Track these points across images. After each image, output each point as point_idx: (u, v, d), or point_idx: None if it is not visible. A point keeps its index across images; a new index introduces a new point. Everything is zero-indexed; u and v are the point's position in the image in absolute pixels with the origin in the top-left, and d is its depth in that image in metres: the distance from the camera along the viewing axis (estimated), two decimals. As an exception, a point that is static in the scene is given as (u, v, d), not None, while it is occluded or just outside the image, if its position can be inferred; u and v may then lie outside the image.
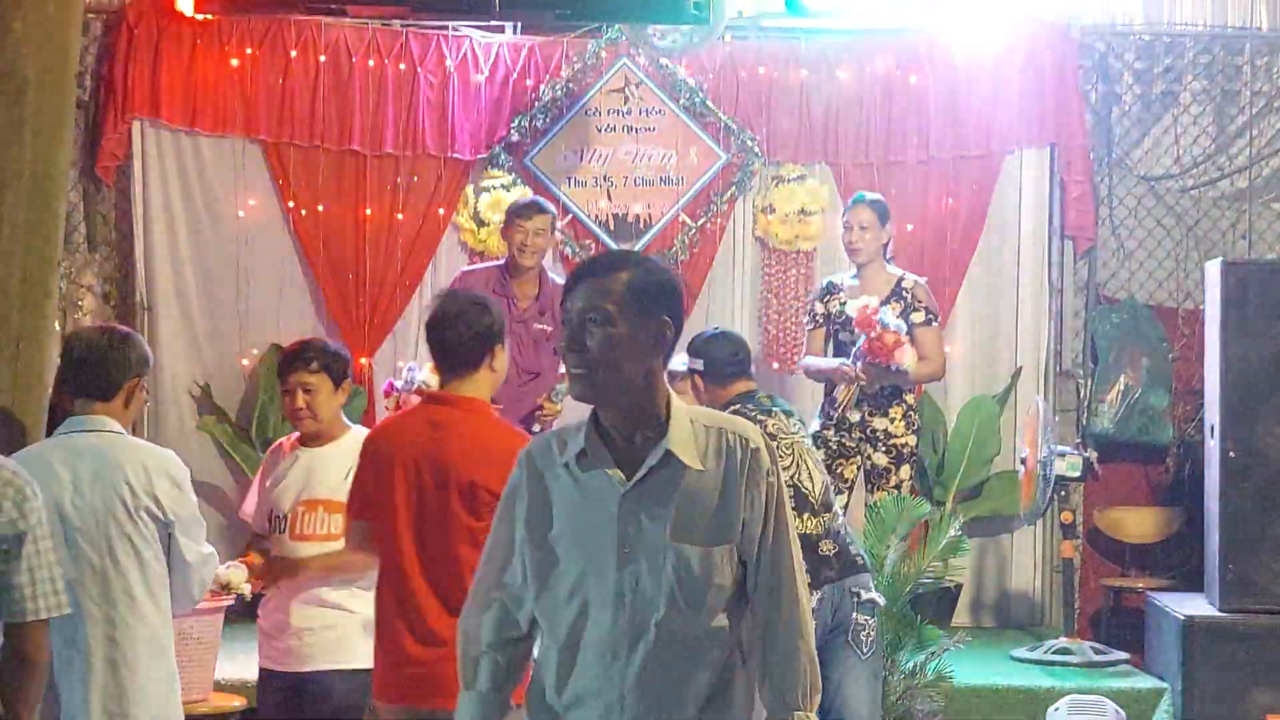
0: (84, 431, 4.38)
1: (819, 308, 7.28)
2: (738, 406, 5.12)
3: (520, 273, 7.09)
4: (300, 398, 5.05)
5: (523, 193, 8.20)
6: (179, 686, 4.51)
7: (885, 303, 6.96)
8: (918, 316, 7.05)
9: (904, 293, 7.08)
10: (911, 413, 7.12)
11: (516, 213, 7.13)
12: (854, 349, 6.93)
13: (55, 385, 4.63)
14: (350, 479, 4.57)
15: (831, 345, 7.29)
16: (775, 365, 8.29)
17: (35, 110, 4.85)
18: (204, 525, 4.54)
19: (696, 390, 5.77)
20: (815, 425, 7.09)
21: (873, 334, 6.75)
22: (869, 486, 7.07)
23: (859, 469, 7.08)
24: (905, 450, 7.06)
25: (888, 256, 7.24)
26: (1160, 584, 8.02)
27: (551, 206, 7.34)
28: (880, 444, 7.04)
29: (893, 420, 7.03)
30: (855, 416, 7.01)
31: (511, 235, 7.06)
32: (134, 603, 4.35)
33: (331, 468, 5.01)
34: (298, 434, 5.21)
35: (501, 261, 7.29)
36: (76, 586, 4.22)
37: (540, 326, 7.01)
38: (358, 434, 4.98)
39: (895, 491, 6.87)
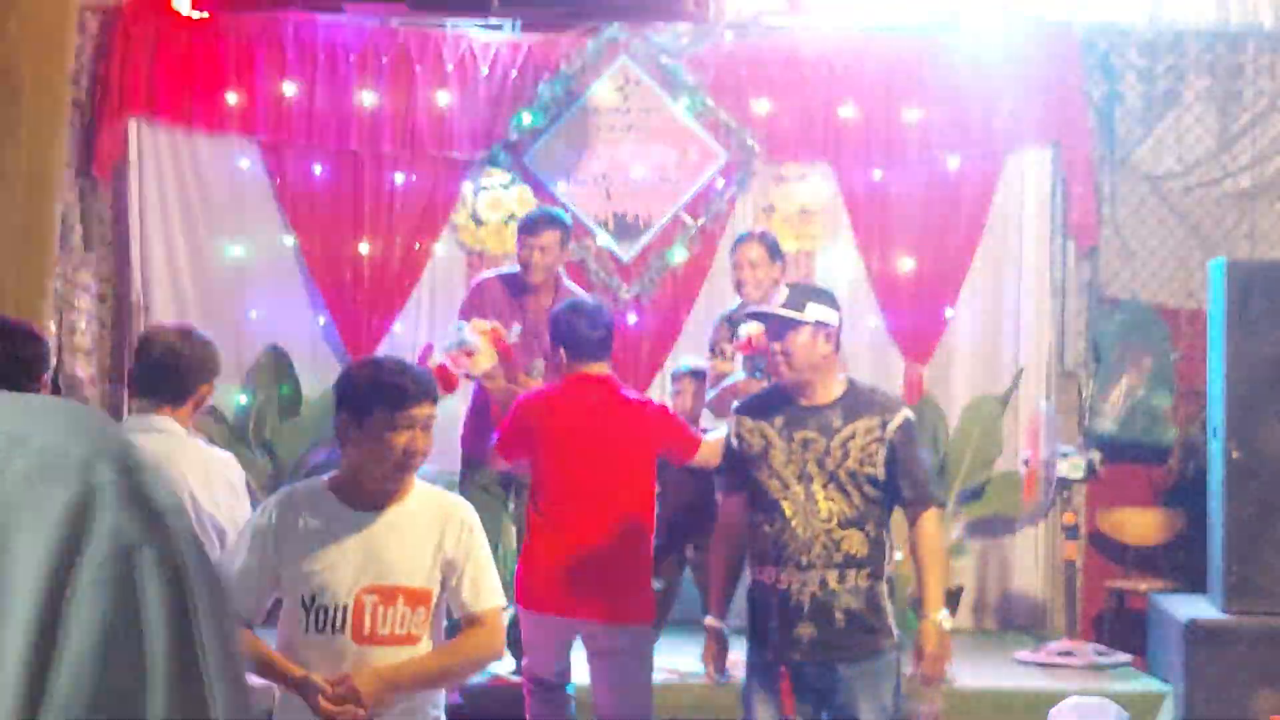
0: (149, 431, 4.19)
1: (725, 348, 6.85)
2: None
3: (531, 285, 6.79)
4: (420, 438, 3.79)
5: (522, 191, 8.18)
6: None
7: None
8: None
9: None
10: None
11: (523, 227, 6.76)
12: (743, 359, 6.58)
13: (127, 381, 4.52)
14: (435, 552, 3.79)
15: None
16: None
17: (31, 109, 4.82)
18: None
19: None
20: None
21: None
22: None
23: None
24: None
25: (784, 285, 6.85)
26: (1163, 586, 8.00)
27: (564, 218, 6.96)
28: None
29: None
30: None
31: (519, 251, 6.71)
32: None
33: (409, 538, 3.82)
34: (335, 481, 3.89)
35: (516, 269, 7.06)
36: None
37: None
38: (427, 491, 3.91)
39: None
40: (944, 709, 6.38)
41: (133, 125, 8.13)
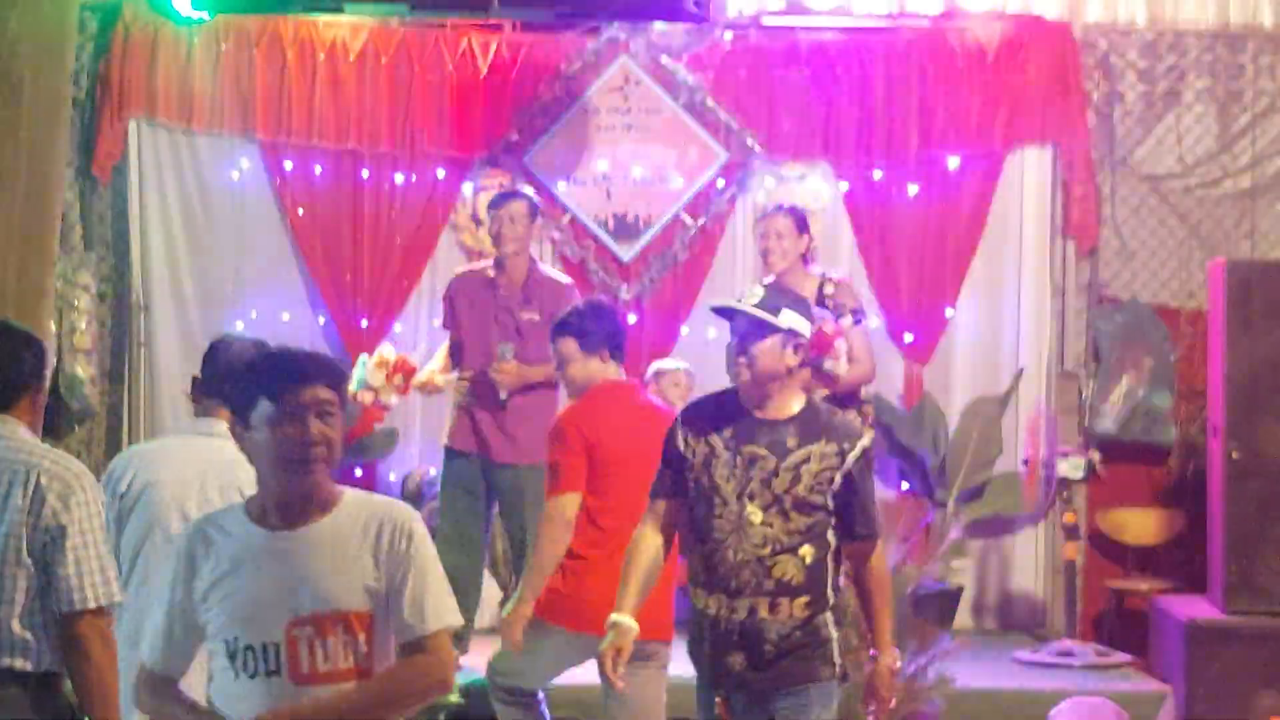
0: (213, 436, 4.30)
1: None
2: None
3: (506, 263, 7.01)
4: (317, 426, 3.24)
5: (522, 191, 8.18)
6: None
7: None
8: (846, 320, 6.71)
9: (826, 299, 6.75)
10: (864, 404, 6.85)
11: (491, 203, 7.15)
12: None
13: (192, 386, 4.56)
14: (371, 567, 3.29)
15: None
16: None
17: (31, 109, 4.84)
18: None
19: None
20: None
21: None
22: None
23: None
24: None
25: (808, 264, 6.94)
26: (1163, 586, 7.99)
27: (529, 193, 7.35)
28: None
29: None
30: None
31: (491, 226, 7.04)
32: None
33: (338, 556, 3.29)
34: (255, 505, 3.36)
35: (494, 260, 7.21)
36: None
37: (529, 316, 6.95)
38: (357, 499, 3.37)
39: None
40: (944, 709, 6.39)
41: (133, 125, 8.13)
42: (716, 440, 4.41)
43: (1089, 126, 8.32)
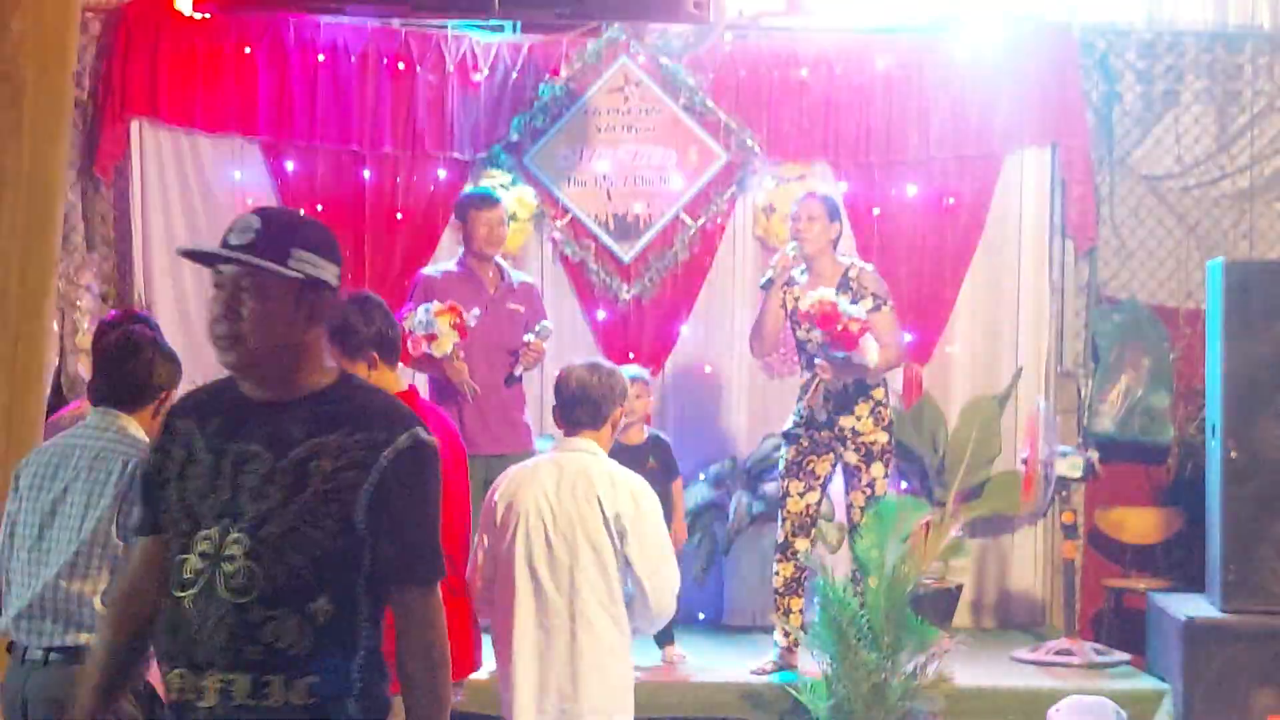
0: (577, 451, 4.94)
1: (778, 291, 7.00)
2: None
3: (480, 260, 7.13)
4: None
5: (522, 192, 8.20)
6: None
7: (836, 293, 6.79)
8: (866, 304, 6.82)
9: (850, 282, 6.89)
10: (881, 408, 6.90)
11: (474, 204, 7.19)
12: (817, 345, 6.78)
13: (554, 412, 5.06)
14: None
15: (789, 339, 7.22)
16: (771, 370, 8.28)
17: (33, 110, 4.85)
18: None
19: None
20: (789, 424, 7.02)
21: (838, 327, 6.61)
22: (845, 486, 7.00)
23: (834, 465, 6.97)
24: (875, 448, 6.86)
25: (837, 251, 7.07)
26: (1161, 584, 8.02)
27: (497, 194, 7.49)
28: (849, 442, 6.87)
29: (859, 418, 6.84)
30: (822, 416, 6.89)
31: (474, 228, 7.09)
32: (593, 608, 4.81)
33: None
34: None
35: (456, 260, 7.29)
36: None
37: (513, 307, 7.09)
38: None
39: (868, 491, 6.82)
40: (944, 708, 6.40)
41: (135, 126, 8.14)
42: (197, 440, 3.08)
43: (1088, 127, 8.34)
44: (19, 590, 4.08)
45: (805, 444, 6.91)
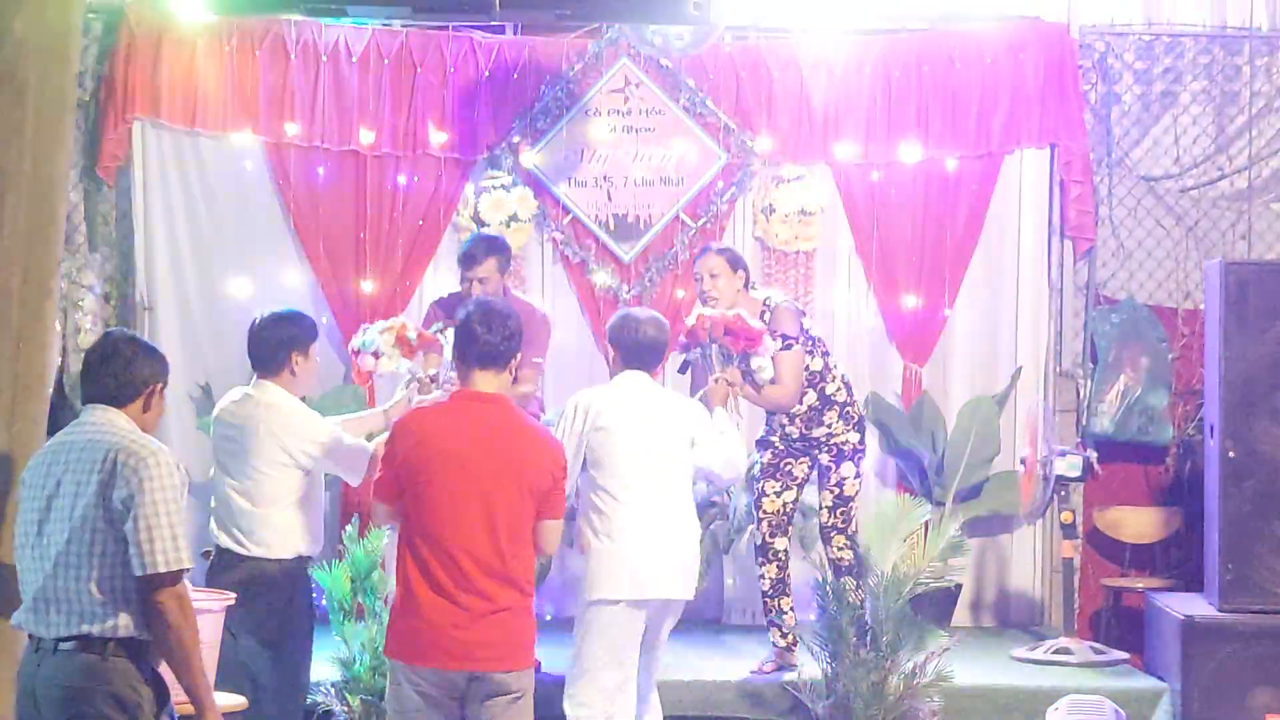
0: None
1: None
2: None
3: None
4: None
5: (523, 193, 8.22)
6: None
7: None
8: (776, 344, 6.50)
9: (766, 316, 6.63)
10: (849, 409, 6.81)
11: (462, 260, 6.72)
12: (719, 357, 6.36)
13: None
14: None
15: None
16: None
17: (36, 111, 4.85)
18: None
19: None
20: (761, 432, 6.97)
21: (729, 330, 6.23)
22: (817, 485, 6.93)
23: (810, 468, 6.91)
24: (847, 448, 6.80)
25: (750, 287, 6.76)
26: (1160, 584, 8.04)
27: (501, 240, 6.94)
28: (824, 445, 6.82)
29: (829, 425, 6.78)
30: (794, 431, 6.81)
31: (461, 284, 6.71)
32: None
33: None
34: None
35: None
36: None
37: None
38: None
39: (836, 490, 6.79)
40: (943, 707, 6.41)
41: (137, 126, 8.16)
42: None
43: (1086, 127, 8.36)
44: (28, 584, 4.19)
45: (781, 448, 6.88)
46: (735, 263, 6.72)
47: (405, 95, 8.28)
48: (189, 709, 4.16)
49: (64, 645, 4.08)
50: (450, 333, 6.02)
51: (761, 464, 6.92)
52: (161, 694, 4.16)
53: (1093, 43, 8.40)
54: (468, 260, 6.65)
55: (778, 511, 6.87)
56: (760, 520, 6.91)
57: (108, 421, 4.22)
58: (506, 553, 4.71)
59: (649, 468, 5.53)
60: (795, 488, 6.89)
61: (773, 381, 6.43)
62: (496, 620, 4.70)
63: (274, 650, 5.43)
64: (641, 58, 8.33)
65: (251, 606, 5.34)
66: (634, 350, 5.64)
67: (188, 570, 4.10)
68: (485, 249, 6.67)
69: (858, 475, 6.85)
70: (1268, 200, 8.44)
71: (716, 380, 6.08)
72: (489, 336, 4.84)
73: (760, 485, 6.90)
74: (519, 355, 4.97)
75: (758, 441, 6.99)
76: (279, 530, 5.45)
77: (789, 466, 6.87)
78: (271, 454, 5.43)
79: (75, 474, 4.12)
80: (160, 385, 4.36)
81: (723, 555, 8.03)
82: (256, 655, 5.39)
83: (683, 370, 6.41)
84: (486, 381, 4.86)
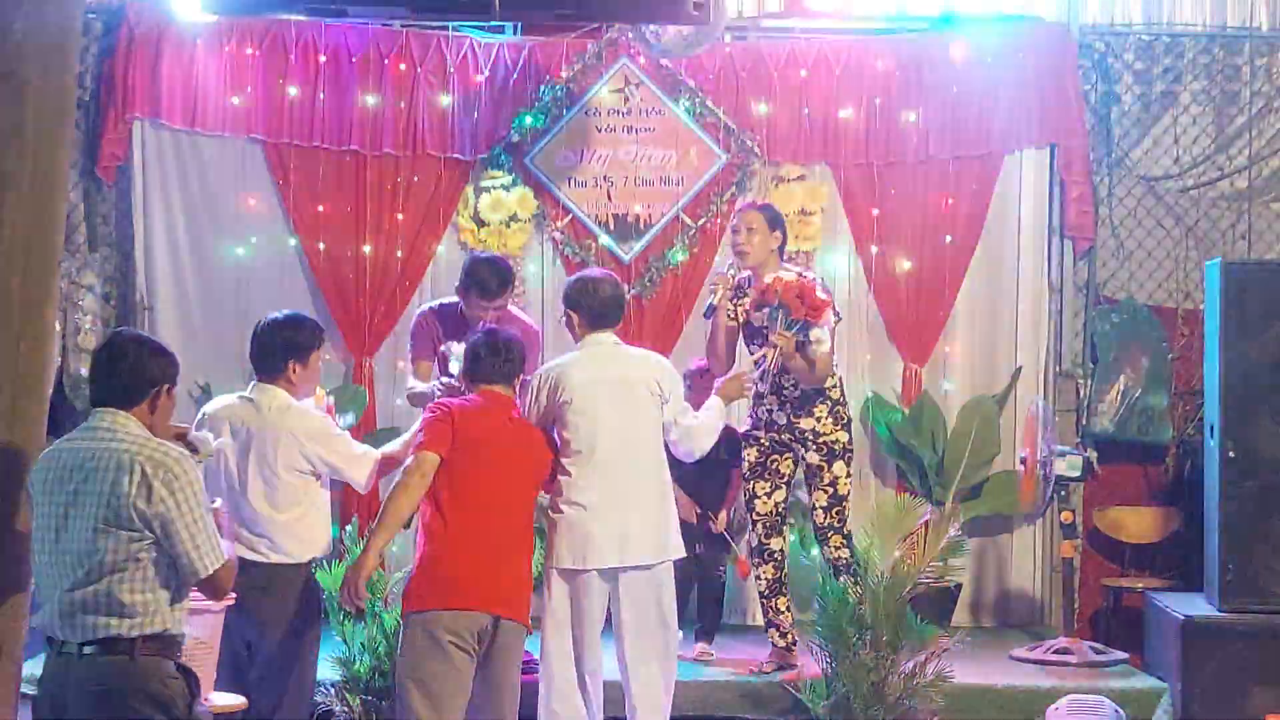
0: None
1: (725, 306, 6.79)
2: None
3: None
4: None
5: (523, 193, 8.22)
6: None
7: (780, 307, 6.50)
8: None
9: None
10: (839, 408, 6.80)
11: (474, 288, 6.55)
12: (771, 324, 6.47)
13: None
14: None
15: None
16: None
17: (36, 111, 4.85)
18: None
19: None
20: (746, 425, 6.97)
21: (801, 297, 6.32)
22: (807, 486, 6.90)
23: (796, 465, 6.92)
24: (837, 447, 6.78)
25: (783, 260, 6.84)
26: (1159, 584, 8.04)
27: (508, 266, 6.78)
28: (810, 443, 6.78)
29: (819, 419, 6.75)
30: (781, 419, 6.81)
31: (469, 310, 6.58)
32: None
33: None
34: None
35: (456, 302, 6.76)
36: None
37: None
38: None
39: (830, 490, 6.79)
40: (942, 707, 6.42)
41: (137, 126, 8.17)
42: None
43: (1086, 128, 8.36)
44: (48, 591, 4.26)
45: (766, 444, 6.86)
46: (774, 222, 6.77)
47: (405, 96, 8.28)
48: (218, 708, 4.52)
49: (90, 648, 4.16)
50: (454, 346, 6.30)
51: (749, 464, 6.90)
52: (192, 686, 4.27)
53: (1092, 43, 8.41)
54: (483, 290, 6.50)
55: (770, 512, 6.87)
56: (754, 523, 6.91)
57: (120, 427, 4.26)
58: (517, 518, 5.51)
59: (617, 437, 5.76)
60: (784, 486, 6.89)
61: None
62: (509, 570, 5.44)
63: (292, 652, 5.45)
64: (641, 58, 8.33)
65: (273, 610, 5.36)
66: (598, 311, 5.90)
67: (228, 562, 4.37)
68: (499, 283, 6.55)
69: (849, 475, 6.84)
70: (1268, 200, 8.44)
71: (778, 339, 6.35)
72: (495, 361, 5.61)
73: (750, 486, 6.89)
74: (520, 376, 5.71)
75: (743, 436, 6.96)
76: (296, 535, 5.47)
77: (775, 464, 6.85)
78: (290, 459, 5.44)
79: (94, 482, 4.18)
80: (169, 386, 4.41)
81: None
82: (273, 658, 5.40)
83: (707, 315, 6.77)
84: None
